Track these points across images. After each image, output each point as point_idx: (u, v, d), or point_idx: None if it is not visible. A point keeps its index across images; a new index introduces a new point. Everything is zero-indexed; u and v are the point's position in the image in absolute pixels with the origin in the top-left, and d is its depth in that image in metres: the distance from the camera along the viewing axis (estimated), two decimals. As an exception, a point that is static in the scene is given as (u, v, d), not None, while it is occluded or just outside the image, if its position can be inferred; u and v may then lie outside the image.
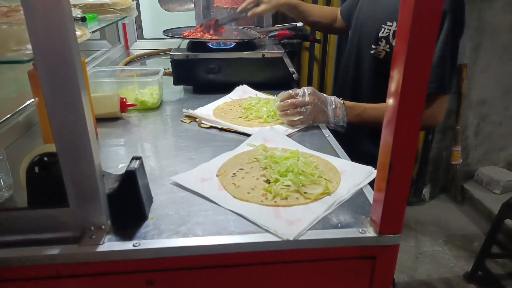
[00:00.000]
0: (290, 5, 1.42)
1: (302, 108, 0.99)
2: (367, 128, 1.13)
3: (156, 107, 1.17)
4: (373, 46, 1.14)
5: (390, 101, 0.55)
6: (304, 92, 1.00)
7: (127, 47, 1.99)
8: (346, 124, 1.03)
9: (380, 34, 1.12)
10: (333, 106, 1.02)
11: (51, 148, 0.62)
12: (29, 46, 0.52)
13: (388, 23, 1.09)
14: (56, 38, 0.47)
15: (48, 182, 0.59)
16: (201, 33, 1.38)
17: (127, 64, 1.67)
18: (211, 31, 1.42)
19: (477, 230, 2.44)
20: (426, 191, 2.74)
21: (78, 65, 0.50)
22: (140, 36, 2.09)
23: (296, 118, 0.99)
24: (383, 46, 1.12)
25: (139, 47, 2.02)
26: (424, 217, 2.58)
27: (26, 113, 1.01)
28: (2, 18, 0.79)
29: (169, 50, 1.86)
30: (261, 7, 1.39)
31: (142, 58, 1.82)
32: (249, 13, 1.40)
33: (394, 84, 0.53)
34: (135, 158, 0.63)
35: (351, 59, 1.28)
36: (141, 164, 0.63)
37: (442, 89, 1.01)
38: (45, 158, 0.60)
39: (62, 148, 0.53)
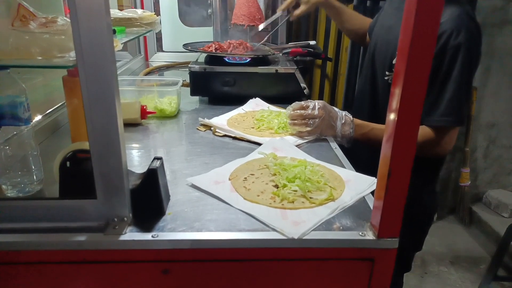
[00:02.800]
0: (329, 4, 1.43)
1: (310, 120, 1.04)
2: (372, 147, 1.17)
3: (174, 116, 1.24)
4: (387, 73, 1.17)
5: (391, 116, 0.60)
6: (315, 106, 1.05)
7: (146, 58, 2.09)
8: (353, 140, 1.08)
9: (394, 61, 1.13)
10: (343, 121, 1.07)
11: (82, 145, 0.69)
12: (72, 54, 0.59)
13: None
14: (97, 47, 0.54)
15: (78, 175, 0.66)
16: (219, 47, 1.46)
17: (146, 74, 1.76)
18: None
19: (484, 252, 2.43)
20: (433, 211, 2.75)
21: (114, 72, 0.56)
22: (160, 48, 2.19)
23: (303, 130, 1.05)
24: None
25: (158, 59, 2.12)
26: (431, 237, 2.57)
27: (54, 115, 1.09)
28: (42, 28, 0.87)
29: (187, 62, 1.96)
30: (301, 8, 1.40)
31: (161, 69, 1.91)
32: (291, 18, 1.44)
33: (394, 101, 0.59)
34: (156, 158, 0.70)
35: (367, 84, 1.30)
36: (162, 164, 0.69)
37: (459, 123, 1.05)
38: (77, 155, 0.67)
39: (95, 145, 0.59)
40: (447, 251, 2.45)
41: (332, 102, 2.45)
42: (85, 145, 0.68)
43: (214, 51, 1.43)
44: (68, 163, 0.66)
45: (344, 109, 1.99)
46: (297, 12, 1.43)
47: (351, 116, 1.09)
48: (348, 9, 1.51)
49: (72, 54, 0.60)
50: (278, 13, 1.50)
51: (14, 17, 0.86)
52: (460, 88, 1.02)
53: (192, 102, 1.42)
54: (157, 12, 2.03)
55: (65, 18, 1.00)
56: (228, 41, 1.53)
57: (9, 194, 0.73)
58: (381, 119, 1.21)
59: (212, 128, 1.12)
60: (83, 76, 0.55)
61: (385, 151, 0.61)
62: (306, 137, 1.06)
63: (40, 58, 0.57)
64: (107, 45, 0.55)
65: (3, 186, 0.72)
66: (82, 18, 0.53)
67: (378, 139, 1.06)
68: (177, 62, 1.96)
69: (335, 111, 1.08)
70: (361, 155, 1.25)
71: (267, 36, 1.53)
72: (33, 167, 0.74)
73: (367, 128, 1.10)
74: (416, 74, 0.55)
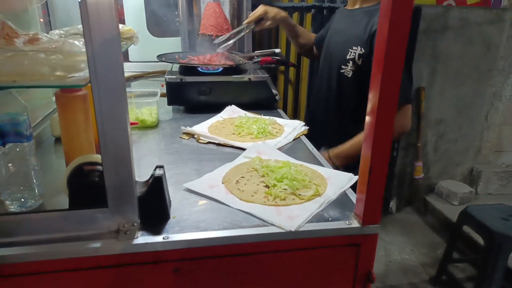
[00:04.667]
0: (288, 23, 1.60)
1: None
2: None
3: (154, 126, 1.28)
4: (343, 67, 1.37)
5: (368, 118, 0.70)
6: None
7: (113, 69, 2.07)
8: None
9: (348, 57, 1.34)
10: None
11: (86, 158, 0.73)
12: (82, 73, 0.63)
13: (354, 48, 1.32)
14: (108, 66, 0.59)
15: (86, 187, 0.69)
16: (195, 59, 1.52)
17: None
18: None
19: (439, 238, 2.66)
20: (392, 204, 2.95)
21: (124, 89, 0.61)
22: (125, 59, 2.19)
23: None
24: (350, 67, 1.34)
25: (125, 69, 2.11)
26: (392, 228, 2.77)
27: (37, 130, 1.09)
28: (28, 45, 0.89)
29: (155, 72, 1.99)
30: (268, 23, 1.54)
31: (129, 80, 1.92)
32: (257, 28, 1.55)
33: (370, 104, 0.69)
34: (158, 166, 0.75)
35: (323, 79, 1.49)
36: (164, 172, 0.74)
37: (401, 99, 1.18)
38: (83, 167, 0.70)
39: (107, 157, 0.63)
40: (407, 240, 2.64)
41: (296, 105, 2.57)
42: (89, 158, 0.73)
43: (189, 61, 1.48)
44: (76, 176, 0.69)
45: (307, 111, 2.19)
46: (265, 25, 1.56)
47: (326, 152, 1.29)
48: (300, 26, 1.71)
49: (83, 73, 0.64)
50: (243, 25, 1.60)
51: (-1, 35, 0.88)
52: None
53: (167, 111, 1.46)
54: (122, 23, 2.04)
55: (45, 34, 1.02)
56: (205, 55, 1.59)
57: (11, 209, 0.74)
58: (334, 108, 1.43)
59: (195, 136, 1.17)
60: (96, 93, 0.60)
61: (365, 150, 0.71)
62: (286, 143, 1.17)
63: (53, 78, 0.60)
64: (117, 64, 0.60)
65: (7, 202, 0.74)
66: (96, 42, 0.57)
67: (355, 153, 1.24)
68: (145, 72, 1.98)
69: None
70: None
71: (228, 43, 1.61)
72: (35, 181, 0.76)
73: (344, 152, 1.27)
74: (390, 81, 0.64)
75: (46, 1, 1.29)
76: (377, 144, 0.68)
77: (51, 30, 1.25)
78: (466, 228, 2.11)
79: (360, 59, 1.31)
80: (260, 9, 1.53)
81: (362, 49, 1.29)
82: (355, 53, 1.32)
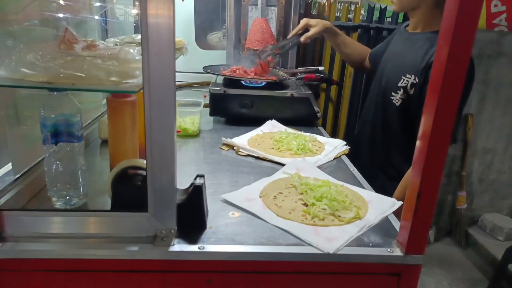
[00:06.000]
0: (333, 30, 1.58)
1: None
2: None
3: (195, 135, 1.30)
4: (393, 94, 1.30)
5: (419, 143, 0.67)
6: None
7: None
8: None
9: (400, 84, 1.27)
10: None
11: (131, 163, 0.74)
12: (135, 80, 0.65)
13: (408, 76, 1.25)
14: (163, 75, 0.61)
15: (129, 190, 0.71)
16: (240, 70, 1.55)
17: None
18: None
19: (481, 275, 2.49)
20: (431, 233, 2.81)
21: (174, 97, 0.62)
22: (171, 68, 2.25)
23: None
24: (401, 95, 1.27)
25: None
26: (429, 259, 2.63)
27: (86, 132, 1.14)
28: (86, 51, 0.93)
29: (198, 83, 2.03)
30: (312, 31, 1.53)
31: (174, 89, 1.97)
32: (302, 39, 1.54)
33: (423, 128, 0.66)
34: (199, 175, 0.75)
35: (372, 102, 1.44)
36: (204, 181, 0.74)
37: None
38: (128, 171, 0.72)
39: (152, 162, 0.64)
40: (445, 273, 2.50)
41: (335, 123, 2.53)
42: (133, 162, 0.74)
43: (233, 74, 1.50)
44: (120, 179, 0.71)
45: (346, 131, 2.13)
46: (309, 34, 1.54)
47: None
48: (347, 36, 1.66)
49: (136, 80, 0.66)
50: (288, 39, 1.61)
51: (61, 40, 0.93)
52: None
53: (209, 122, 1.48)
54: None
55: (102, 41, 1.07)
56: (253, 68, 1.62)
57: (57, 205, 0.77)
58: (380, 135, 1.37)
59: (235, 148, 1.17)
60: (148, 100, 0.61)
61: (414, 176, 0.67)
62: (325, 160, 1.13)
63: (108, 83, 0.63)
64: (170, 74, 0.61)
65: (53, 198, 0.77)
66: (152, 51, 0.59)
67: None
68: (190, 82, 2.03)
69: None
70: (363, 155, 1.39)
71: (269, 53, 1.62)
72: (81, 180, 0.79)
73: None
74: (446, 106, 0.61)
75: (105, 11, 1.36)
76: (428, 169, 0.65)
77: (107, 38, 1.31)
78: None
79: (412, 89, 1.24)
80: (303, 21, 1.55)
81: (416, 78, 1.22)
82: (408, 81, 1.25)
